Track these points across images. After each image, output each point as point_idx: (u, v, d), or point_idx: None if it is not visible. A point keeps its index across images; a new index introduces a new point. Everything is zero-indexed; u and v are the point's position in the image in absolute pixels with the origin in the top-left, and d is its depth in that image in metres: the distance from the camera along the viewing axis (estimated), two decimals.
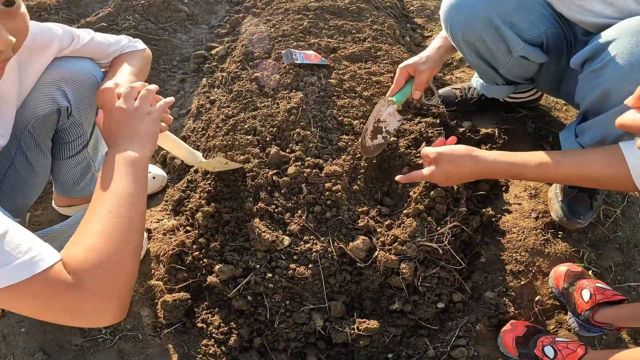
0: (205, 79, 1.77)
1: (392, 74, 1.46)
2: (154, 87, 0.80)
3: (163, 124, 0.81)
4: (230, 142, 1.18)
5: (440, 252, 0.98)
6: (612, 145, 0.76)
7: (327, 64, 1.51)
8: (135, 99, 0.77)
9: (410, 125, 1.22)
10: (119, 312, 0.59)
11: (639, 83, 0.71)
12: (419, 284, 0.98)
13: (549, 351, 0.87)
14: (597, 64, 0.83)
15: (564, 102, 1.50)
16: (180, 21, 2.38)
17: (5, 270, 0.51)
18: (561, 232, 1.10)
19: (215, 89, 1.62)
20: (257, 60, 1.58)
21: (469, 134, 1.34)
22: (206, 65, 1.85)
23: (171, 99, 0.85)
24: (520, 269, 1.02)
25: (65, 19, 2.49)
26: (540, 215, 1.13)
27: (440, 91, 1.50)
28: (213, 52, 1.99)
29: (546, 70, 1.11)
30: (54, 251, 0.58)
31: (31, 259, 0.54)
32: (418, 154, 1.14)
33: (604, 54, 0.82)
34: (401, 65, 1.14)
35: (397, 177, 1.01)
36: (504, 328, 0.95)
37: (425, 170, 0.93)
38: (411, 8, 2.44)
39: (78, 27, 1.22)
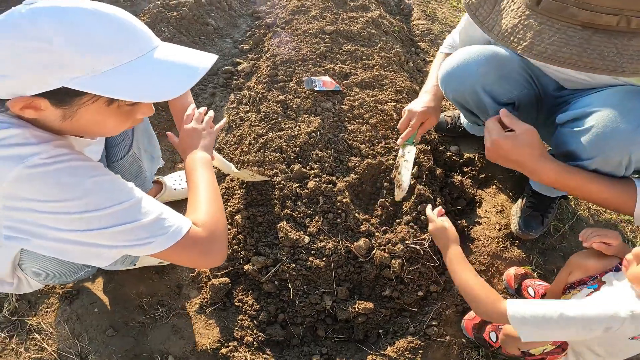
0: (233, 94, 2.05)
1: (395, 103, 1.73)
2: (212, 112, 1.19)
3: None
4: (261, 158, 1.47)
5: (422, 252, 1.28)
6: (629, 181, 0.98)
7: (341, 90, 1.79)
8: (201, 121, 1.13)
9: None
10: (226, 253, 0.93)
11: (603, 152, 0.94)
12: (405, 276, 1.28)
13: (493, 336, 1.17)
14: (578, 127, 0.99)
15: None
16: (208, 34, 2.61)
17: (165, 237, 0.79)
18: (517, 241, 1.41)
19: (243, 106, 1.90)
20: (281, 83, 1.85)
21: (454, 158, 1.63)
22: (233, 82, 2.12)
23: (223, 121, 1.23)
24: (483, 269, 1.32)
25: None
26: (503, 227, 1.44)
27: None
28: (239, 68, 2.26)
29: (518, 116, 1.39)
30: (185, 218, 0.85)
31: (179, 225, 0.81)
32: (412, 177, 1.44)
33: (585, 120, 0.98)
34: (417, 110, 1.32)
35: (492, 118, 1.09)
36: (466, 316, 1.25)
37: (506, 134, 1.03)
38: (417, 32, 2.67)
39: None
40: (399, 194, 1.33)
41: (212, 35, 2.66)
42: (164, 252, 0.80)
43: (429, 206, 1.29)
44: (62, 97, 0.73)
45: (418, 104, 1.37)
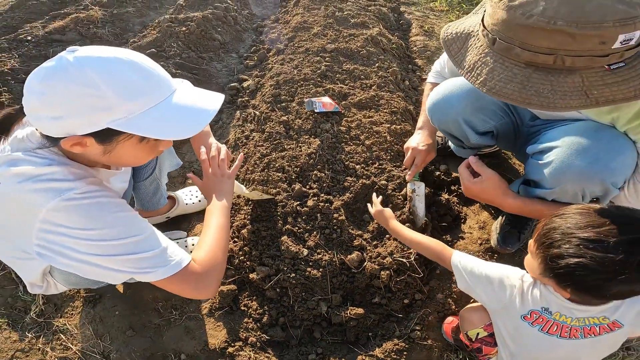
0: (239, 112, 2.18)
1: (389, 124, 1.86)
2: (227, 153, 1.28)
3: None
4: (265, 178, 1.62)
5: (408, 265, 1.43)
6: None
7: (339, 111, 1.93)
8: (219, 165, 1.23)
9: (397, 172, 1.66)
10: (216, 290, 1.05)
11: (560, 184, 1.09)
12: (392, 285, 1.42)
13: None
14: (542, 160, 1.13)
15: None
16: (215, 49, 2.75)
17: (165, 268, 0.93)
18: (496, 255, 1.55)
19: (248, 124, 2.04)
20: (284, 104, 1.99)
21: (442, 177, 1.77)
22: (239, 99, 2.26)
23: (239, 160, 1.31)
24: None
25: (110, 32, 2.87)
26: (484, 242, 1.58)
27: None
28: (244, 84, 2.39)
29: (499, 143, 1.55)
30: (187, 254, 0.98)
31: (179, 259, 0.95)
32: (401, 196, 1.58)
33: (547, 154, 1.11)
34: (421, 149, 1.53)
35: (464, 164, 1.28)
36: (445, 321, 1.40)
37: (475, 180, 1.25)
38: (414, 48, 2.79)
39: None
40: (417, 223, 1.53)
41: (218, 50, 2.79)
42: (161, 281, 0.94)
43: (375, 194, 1.53)
44: (105, 136, 0.88)
45: (420, 143, 1.55)
